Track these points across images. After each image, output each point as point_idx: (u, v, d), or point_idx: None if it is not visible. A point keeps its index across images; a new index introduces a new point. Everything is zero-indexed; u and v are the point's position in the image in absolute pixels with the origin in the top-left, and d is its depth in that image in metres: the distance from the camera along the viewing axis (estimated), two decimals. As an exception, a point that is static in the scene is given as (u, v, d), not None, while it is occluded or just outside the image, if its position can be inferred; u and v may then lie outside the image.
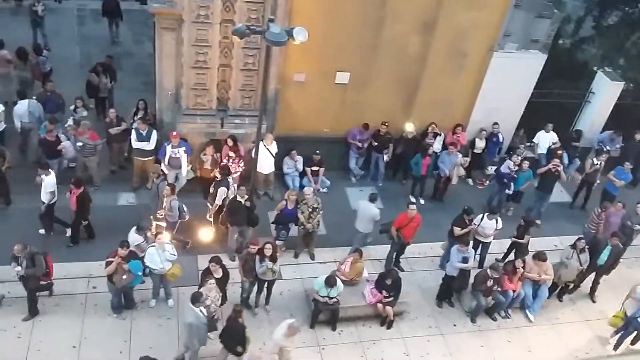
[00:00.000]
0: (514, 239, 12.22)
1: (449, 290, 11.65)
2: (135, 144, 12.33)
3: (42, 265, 9.64)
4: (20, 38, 14.78)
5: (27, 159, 12.67)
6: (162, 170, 11.85)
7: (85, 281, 10.75)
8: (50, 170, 11.05)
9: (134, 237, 10.36)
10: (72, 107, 12.96)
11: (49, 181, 10.92)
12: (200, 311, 9.15)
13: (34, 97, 13.23)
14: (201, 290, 9.58)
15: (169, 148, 12.18)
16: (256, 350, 9.12)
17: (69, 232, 11.49)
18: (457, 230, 11.68)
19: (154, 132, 12.40)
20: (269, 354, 9.51)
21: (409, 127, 13.89)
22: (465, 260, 11.15)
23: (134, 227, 10.52)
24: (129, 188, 12.84)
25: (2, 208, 11.92)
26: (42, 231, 11.43)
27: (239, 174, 12.68)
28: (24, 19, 16.55)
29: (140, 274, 9.95)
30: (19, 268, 9.50)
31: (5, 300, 10.16)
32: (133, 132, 12.36)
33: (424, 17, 12.86)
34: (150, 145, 12.35)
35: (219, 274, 9.84)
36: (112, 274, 9.71)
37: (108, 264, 9.66)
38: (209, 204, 11.85)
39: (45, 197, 11.01)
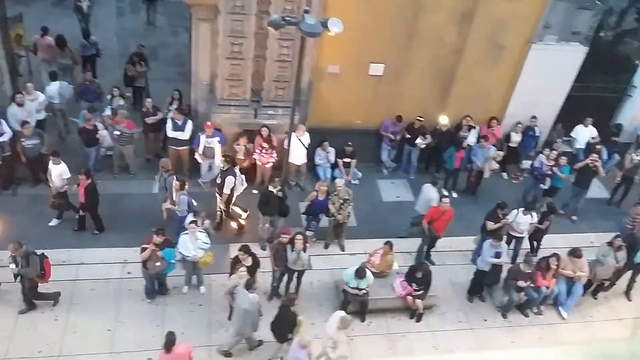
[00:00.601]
0: (536, 225, 12.03)
1: (480, 285, 11.52)
2: (171, 134, 12.53)
3: (36, 266, 9.47)
4: (62, 29, 15.15)
5: (67, 148, 13.00)
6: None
7: (121, 267, 11.02)
8: (60, 160, 11.19)
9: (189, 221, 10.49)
10: (108, 97, 13.26)
11: (61, 169, 11.12)
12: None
13: (73, 86, 13.66)
14: (232, 277, 9.74)
15: (203, 138, 12.35)
16: (307, 335, 9.10)
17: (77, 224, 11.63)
18: (490, 225, 11.53)
19: (189, 122, 12.58)
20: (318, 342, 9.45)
21: (443, 120, 13.74)
22: (497, 255, 11.00)
23: (191, 214, 10.68)
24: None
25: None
26: (53, 222, 11.65)
27: (271, 164, 12.79)
28: (66, 10, 16.98)
29: (173, 261, 10.13)
30: (14, 266, 9.43)
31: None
32: (168, 121, 12.56)
33: (462, 8, 12.67)
34: (185, 135, 12.53)
35: (248, 262, 9.95)
36: (147, 260, 9.92)
37: (143, 250, 9.88)
38: (217, 194, 11.82)
39: (58, 183, 11.21)
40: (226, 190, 11.56)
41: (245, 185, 12.07)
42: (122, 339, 9.88)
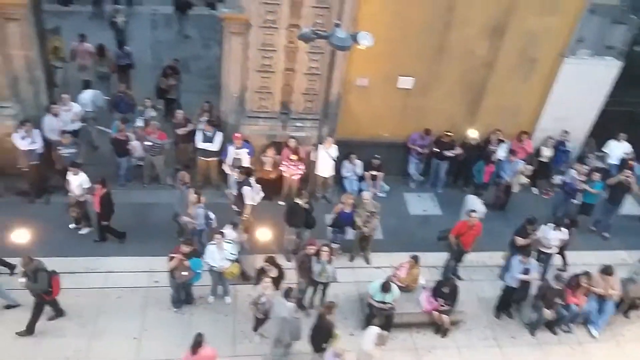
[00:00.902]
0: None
1: (508, 302, 11.32)
2: (200, 145, 12.70)
3: (44, 283, 9.50)
4: (97, 41, 15.58)
5: (99, 157, 13.28)
6: (188, 177, 11.73)
7: (148, 275, 11.17)
8: (79, 170, 11.36)
9: (229, 233, 10.63)
10: (140, 108, 13.53)
11: (81, 179, 11.31)
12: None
13: (106, 97, 14.01)
14: (257, 288, 9.77)
15: (231, 149, 12.49)
16: (340, 348, 9.10)
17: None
18: (520, 241, 11.34)
19: (219, 133, 12.74)
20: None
21: (472, 134, 13.61)
22: (526, 271, 10.81)
23: (229, 224, 10.79)
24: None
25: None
26: (72, 225, 11.84)
27: (298, 176, 12.85)
28: (102, 23, 17.45)
29: (200, 271, 10.23)
30: (23, 280, 9.51)
31: (72, 290, 10.62)
32: (198, 133, 12.75)
33: (493, 22, 12.61)
34: (214, 147, 12.70)
35: (273, 273, 9.98)
36: (174, 269, 10.04)
37: (170, 259, 10.00)
38: (234, 207, 11.78)
39: (78, 193, 11.37)
40: (247, 201, 11.55)
41: (262, 195, 12.08)
42: (148, 347, 10.00)
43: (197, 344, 8.65)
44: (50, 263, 10.84)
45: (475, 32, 12.68)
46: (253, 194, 11.69)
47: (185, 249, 9.97)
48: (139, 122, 13.03)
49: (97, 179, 11.29)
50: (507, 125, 13.87)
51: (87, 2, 18.80)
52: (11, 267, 10.59)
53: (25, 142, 11.78)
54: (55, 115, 12.40)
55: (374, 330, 9.41)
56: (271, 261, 10.00)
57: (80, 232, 11.84)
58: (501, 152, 13.64)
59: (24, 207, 12.01)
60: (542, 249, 11.66)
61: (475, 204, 12.10)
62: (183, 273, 10.01)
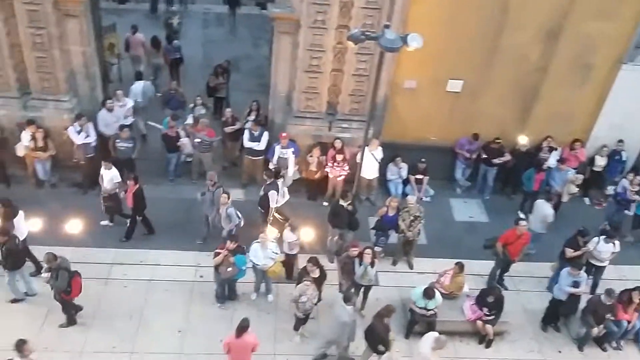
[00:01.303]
0: None
1: (556, 314, 11.01)
2: (247, 144, 12.86)
3: (64, 282, 9.58)
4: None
5: (150, 152, 13.59)
6: (217, 178, 11.62)
7: (194, 270, 11.37)
8: (112, 165, 11.62)
9: (288, 235, 10.76)
10: (191, 105, 13.78)
11: (112, 174, 11.56)
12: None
13: (159, 94, 14.35)
14: (297, 287, 9.80)
15: (277, 148, 12.58)
16: (395, 354, 9.11)
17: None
18: (570, 252, 11.00)
19: (266, 133, 12.86)
20: None
21: (523, 140, 13.29)
22: (576, 284, 10.48)
23: (288, 227, 10.90)
24: (238, 184, 13.40)
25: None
26: (104, 222, 12.04)
27: (343, 177, 12.83)
28: (157, 22, 17.88)
29: (244, 268, 10.35)
30: (46, 275, 9.68)
31: (121, 281, 10.98)
32: (246, 132, 12.90)
33: (548, 26, 12.27)
34: (260, 146, 12.82)
35: (315, 274, 10.00)
36: (219, 265, 10.18)
37: (216, 254, 10.15)
38: (259, 208, 11.77)
39: (109, 187, 11.60)
40: (272, 204, 11.53)
41: (288, 197, 12.11)
42: (191, 341, 10.18)
43: (243, 328, 8.84)
44: (100, 254, 11.32)
45: (528, 36, 12.37)
46: (278, 198, 11.73)
47: (231, 245, 10.10)
48: (189, 120, 13.29)
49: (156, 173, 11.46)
50: (560, 133, 13.49)
51: (143, 0, 19.33)
52: (38, 267, 10.73)
53: (81, 136, 12.20)
54: (110, 110, 12.79)
55: (432, 334, 9.33)
56: (314, 262, 10.03)
57: (101, 222, 11.99)
58: (552, 160, 13.26)
59: (77, 198, 12.42)
60: (592, 262, 11.28)
61: (545, 209, 11.77)
62: (228, 269, 10.14)
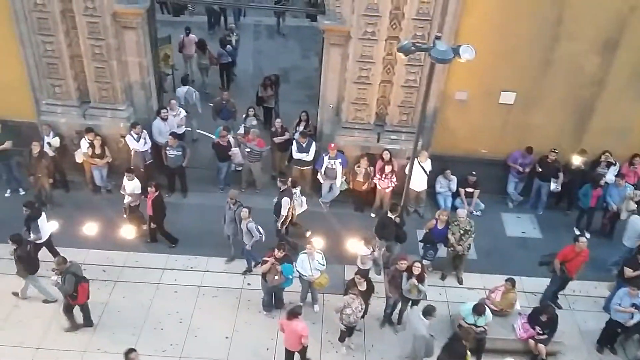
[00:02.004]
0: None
1: (613, 336, 10.53)
2: (296, 155, 12.97)
3: (70, 286, 9.66)
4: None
5: (201, 160, 13.85)
6: (237, 195, 11.47)
7: (242, 277, 11.51)
8: (134, 176, 11.74)
9: (361, 249, 10.70)
10: (243, 116, 14.00)
11: (134, 185, 11.66)
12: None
13: (211, 104, 14.67)
14: (343, 299, 9.73)
15: (326, 159, 12.63)
16: None
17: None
18: (629, 272, 10.54)
19: (314, 144, 12.94)
20: None
21: (577, 161, 12.83)
22: (635, 306, 9.99)
23: (362, 240, 10.83)
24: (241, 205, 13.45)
25: (179, 199, 13.19)
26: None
27: (390, 189, 12.74)
28: (213, 34, 18.36)
29: (291, 277, 10.39)
30: (55, 278, 9.74)
31: (172, 286, 11.20)
32: (294, 143, 13.01)
33: (605, 37, 11.89)
34: (309, 157, 12.91)
35: (363, 286, 9.93)
36: (266, 273, 10.25)
37: (263, 263, 10.23)
38: (275, 215, 11.72)
39: (131, 197, 11.71)
40: (283, 212, 11.47)
41: (306, 207, 12.02)
42: (238, 348, 10.26)
43: (292, 313, 9.08)
44: (152, 259, 11.57)
45: (584, 47, 12.03)
46: (296, 205, 11.72)
47: (278, 253, 10.15)
48: (241, 129, 13.49)
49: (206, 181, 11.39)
50: (618, 147, 13.02)
51: (197, 13, 19.84)
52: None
53: (140, 143, 12.56)
54: (164, 119, 13.14)
55: None
56: (362, 274, 9.95)
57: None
58: (610, 176, 12.79)
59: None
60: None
61: (636, 223, 11.43)
62: (275, 277, 10.20)
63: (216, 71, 16.65)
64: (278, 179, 12.13)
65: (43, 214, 10.92)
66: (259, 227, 11.04)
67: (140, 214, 11.96)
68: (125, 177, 11.82)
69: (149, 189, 11.44)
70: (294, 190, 11.84)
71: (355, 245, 10.86)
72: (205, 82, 16.73)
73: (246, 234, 10.97)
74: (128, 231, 11.44)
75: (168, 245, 11.96)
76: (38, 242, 10.79)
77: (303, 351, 9.58)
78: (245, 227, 10.91)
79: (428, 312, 9.30)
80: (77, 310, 10.22)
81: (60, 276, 9.69)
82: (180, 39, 16.59)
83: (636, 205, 12.67)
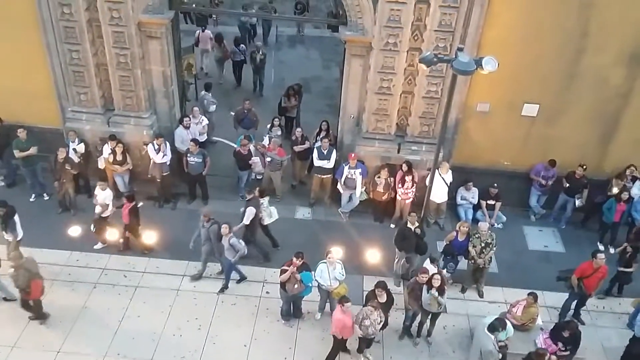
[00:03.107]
0: (620, 268, 11.19)
1: (637, 354, 10.28)
2: (317, 162, 12.98)
3: (23, 281, 9.85)
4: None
5: (222, 169, 13.92)
6: (210, 216, 11.11)
7: (260, 285, 11.50)
8: (107, 186, 11.85)
9: (428, 267, 10.57)
10: (268, 126, 14.05)
11: (106, 195, 11.70)
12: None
13: (232, 113, 14.79)
14: (361, 310, 9.67)
15: (346, 169, 12.62)
16: None
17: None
18: (654, 288, 10.32)
19: (334, 151, 12.95)
20: None
21: (614, 190, 12.58)
22: (661, 323, 9.79)
23: (428, 259, 10.79)
24: (306, 203, 13.56)
25: (200, 206, 13.07)
26: (98, 246, 11.97)
27: (410, 200, 12.68)
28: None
29: (310, 285, 10.36)
30: (11, 272, 9.94)
31: (192, 293, 11.23)
32: (315, 150, 13.04)
33: (631, 49, 11.74)
34: (329, 164, 12.92)
35: (383, 298, 9.86)
36: (285, 282, 10.23)
37: (283, 272, 10.22)
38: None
39: (102, 208, 11.64)
40: (245, 221, 11.41)
41: (276, 217, 11.93)
42: (256, 356, 10.26)
43: (343, 298, 9.53)
44: (172, 266, 11.65)
45: (610, 60, 11.88)
46: (265, 215, 11.67)
47: (297, 262, 10.14)
48: (266, 140, 13.52)
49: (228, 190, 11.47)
50: (644, 161, 12.80)
51: (222, 23, 20.03)
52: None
53: (159, 156, 12.67)
54: (186, 127, 13.27)
55: None
56: (382, 286, 9.86)
57: (94, 247, 11.98)
58: (636, 190, 12.56)
59: (152, 211, 12.86)
60: (680, 299, 10.54)
61: None
62: (295, 286, 10.18)
63: (230, 68, 17.53)
64: (246, 191, 12.04)
65: (17, 214, 11.04)
66: (241, 240, 10.92)
67: (108, 224, 11.81)
68: (97, 187, 11.79)
69: (124, 199, 11.55)
70: (261, 201, 11.71)
71: (427, 265, 10.63)
72: (221, 75, 17.78)
73: (228, 249, 10.78)
74: (150, 237, 11.49)
75: (142, 252, 11.89)
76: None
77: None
78: (227, 243, 10.73)
79: (494, 327, 9.35)
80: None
81: (15, 271, 9.83)
82: (197, 34, 17.63)
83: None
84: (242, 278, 11.51)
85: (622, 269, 11.32)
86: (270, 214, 11.93)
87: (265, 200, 11.86)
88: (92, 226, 11.80)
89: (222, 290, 11.31)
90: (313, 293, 10.69)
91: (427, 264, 10.64)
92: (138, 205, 11.81)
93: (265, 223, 11.93)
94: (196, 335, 10.52)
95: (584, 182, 12.75)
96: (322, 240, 11.87)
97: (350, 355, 10.30)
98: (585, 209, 13.10)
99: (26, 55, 12.44)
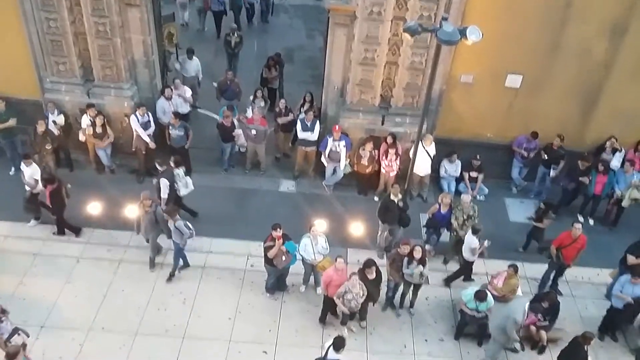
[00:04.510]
0: (533, 222, 11.61)
1: (614, 324, 10.58)
2: (301, 134, 12.88)
3: None
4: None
5: (205, 141, 13.78)
6: (152, 198, 10.84)
7: (245, 259, 11.52)
8: (32, 161, 11.24)
9: (470, 240, 10.72)
10: (251, 97, 13.83)
11: (32, 170, 11.19)
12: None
13: (215, 84, 14.54)
14: (344, 284, 9.74)
15: (330, 141, 12.56)
16: None
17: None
18: (632, 259, 10.54)
19: (318, 122, 12.86)
20: None
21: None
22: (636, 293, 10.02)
23: (470, 229, 10.81)
24: (290, 175, 13.52)
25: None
26: (31, 223, 11.69)
27: (394, 172, 12.70)
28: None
29: (296, 253, 10.37)
30: None
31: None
32: (298, 122, 12.93)
33: (614, 20, 11.72)
34: (313, 136, 12.84)
35: (372, 276, 9.90)
36: (275, 257, 10.16)
37: (268, 248, 10.16)
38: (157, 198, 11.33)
39: (31, 183, 11.25)
40: (163, 194, 11.18)
41: (192, 188, 11.70)
42: (241, 329, 10.34)
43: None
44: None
45: (593, 30, 11.86)
46: (180, 186, 11.43)
47: (277, 233, 10.03)
48: (249, 111, 13.33)
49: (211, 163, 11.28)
50: (625, 133, 12.91)
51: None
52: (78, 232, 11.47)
53: (142, 129, 12.45)
54: (168, 98, 13.06)
55: None
56: (372, 264, 9.83)
57: (28, 224, 11.71)
58: (616, 162, 12.71)
59: (133, 185, 12.71)
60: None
61: None
62: (283, 258, 10.18)
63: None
64: (155, 160, 11.72)
65: None
66: (188, 223, 10.67)
67: (41, 202, 11.46)
68: (22, 163, 11.32)
69: (43, 182, 10.99)
70: (176, 172, 11.45)
71: (469, 238, 10.74)
72: (203, 27, 18.00)
73: (175, 232, 10.51)
74: (132, 212, 11.36)
75: (74, 236, 11.56)
76: None
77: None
78: (173, 227, 10.47)
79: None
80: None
81: None
82: None
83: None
84: (186, 265, 11.19)
85: (534, 223, 11.71)
86: (186, 184, 11.66)
87: (180, 171, 11.55)
88: (23, 205, 11.38)
89: (169, 278, 10.98)
90: (298, 266, 10.73)
91: (470, 234, 10.71)
92: (67, 187, 11.31)
93: (181, 194, 11.61)
94: (181, 309, 10.55)
95: (561, 153, 12.83)
96: (306, 213, 11.89)
97: (334, 328, 10.43)
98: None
99: (2, 24, 12.09)
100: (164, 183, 11.21)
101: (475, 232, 10.69)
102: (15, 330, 8.87)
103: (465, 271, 11.16)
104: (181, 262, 11.09)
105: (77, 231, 11.69)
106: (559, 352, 9.52)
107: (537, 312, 10.04)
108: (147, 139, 12.61)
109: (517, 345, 9.89)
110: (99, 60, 12.36)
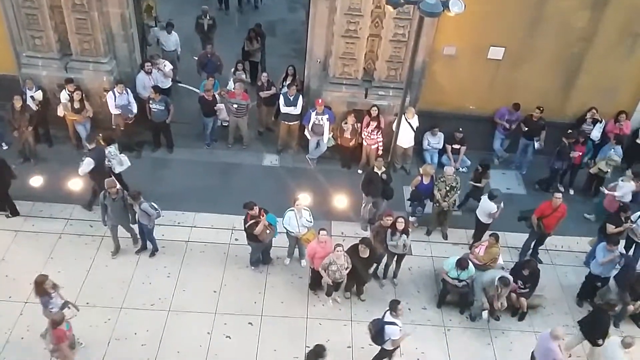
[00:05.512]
0: (472, 183, 11.92)
1: (592, 290, 10.82)
2: (283, 109, 12.80)
3: None
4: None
5: (187, 116, 13.66)
6: (118, 185, 10.48)
7: (229, 232, 11.52)
8: None
9: (488, 204, 10.93)
10: (232, 70, 13.67)
11: None
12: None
13: (195, 57, 14.36)
14: (329, 256, 9.81)
15: (313, 115, 12.52)
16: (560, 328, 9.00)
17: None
18: (611, 228, 10.75)
19: (301, 97, 12.79)
20: None
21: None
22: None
23: (486, 195, 11.09)
24: (274, 150, 13.47)
25: (165, 154, 13.13)
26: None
27: (377, 145, 12.73)
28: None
29: (276, 225, 10.39)
30: None
31: (159, 242, 11.11)
32: (281, 97, 12.84)
33: (595, -9, 11.78)
34: (296, 110, 12.76)
35: (365, 254, 9.89)
36: (260, 233, 10.13)
37: (253, 226, 10.09)
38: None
39: None
40: (80, 172, 10.92)
41: (128, 164, 11.49)
42: (226, 302, 10.39)
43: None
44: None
45: (575, 2, 11.89)
46: (115, 164, 11.24)
47: (254, 212, 10.00)
48: (230, 84, 13.19)
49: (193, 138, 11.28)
50: (604, 104, 13.04)
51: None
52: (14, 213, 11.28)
53: (115, 105, 12.25)
54: (148, 73, 12.87)
55: (616, 339, 9.17)
56: (366, 243, 9.84)
57: None
58: (596, 132, 12.87)
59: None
60: (633, 237, 11.03)
61: None
62: (267, 232, 10.19)
63: None
64: (84, 139, 11.46)
65: None
66: (153, 204, 10.44)
67: None
68: None
69: None
70: (108, 150, 11.19)
71: (485, 203, 11.00)
72: None
73: (142, 215, 10.38)
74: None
75: (6, 215, 11.25)
76: None
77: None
78: (139, 210, 10.34)
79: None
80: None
81: None
82: None
83: (610, 168, 12.69)
84: (155, 250, 11.02)
85: (473, 183, 11.97)
86: (120, 161, 11.43)
87: (112, 148, 11.30)
88: None
89: (152, 254, 10.97)
90: (282, 239, 10.78)
91: (485, 199, 10.96)
92: (12, 167, 11.09)
93: (116, 171, 11.41)
94: (165, 282, 10.56)
95: (542, 124, 12.92)
96: (289, 187, 11.89)
97: (319, 299, 10.53)
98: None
99: (-25, -3, 11.77)
100: (87, 161, 10.90)
101: (492, 197, 10.94)
102: (65, 304, 9.03)
103: (482, 233, 11.34)
104: (150, 245, 10.98)
105: (14, 213, 11.32)
106: (580, 321, 9.75)
107: (517, 280, 10.23)
108: (120, 118, 12.35)
109: (485, 314, 10.10)
110: (76, 34, 12.10)
